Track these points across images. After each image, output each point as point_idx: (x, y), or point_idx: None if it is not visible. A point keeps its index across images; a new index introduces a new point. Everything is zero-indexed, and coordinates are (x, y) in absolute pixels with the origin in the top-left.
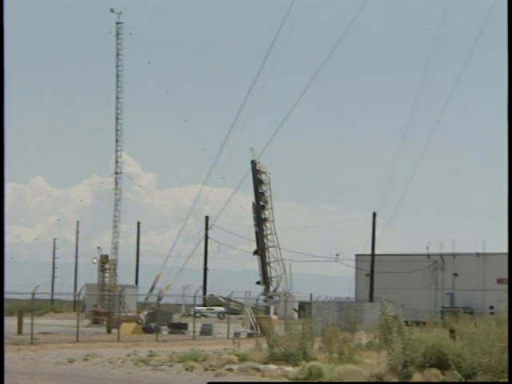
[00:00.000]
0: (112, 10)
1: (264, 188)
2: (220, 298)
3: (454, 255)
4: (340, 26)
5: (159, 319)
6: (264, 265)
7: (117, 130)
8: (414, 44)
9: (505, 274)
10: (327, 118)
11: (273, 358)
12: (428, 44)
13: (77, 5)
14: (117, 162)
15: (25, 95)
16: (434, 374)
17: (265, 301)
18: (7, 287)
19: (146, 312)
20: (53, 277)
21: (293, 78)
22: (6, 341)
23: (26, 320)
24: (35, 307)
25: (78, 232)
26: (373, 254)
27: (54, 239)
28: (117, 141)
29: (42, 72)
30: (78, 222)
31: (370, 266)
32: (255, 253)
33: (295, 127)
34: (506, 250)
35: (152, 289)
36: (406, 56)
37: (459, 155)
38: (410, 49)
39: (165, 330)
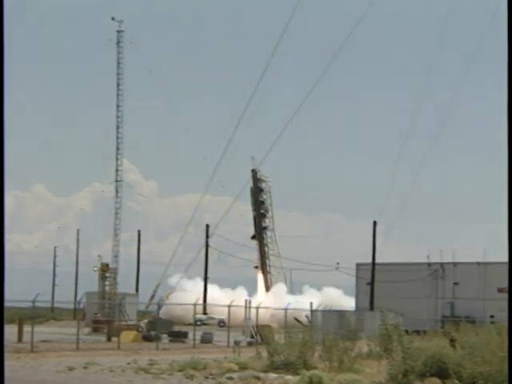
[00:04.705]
0: (113, 19)
1: (264, 196)
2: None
3: (454, 264)
4: (340, 36)
5: (159, 327)
6: (264, 272)
7: (117, 138)
8: (415, 50)
9: (505, 284)
10: (328, 126)
11: (273, 367)
12: (429, 50)
13: (77, 13)
14: (117, 170)
15: (25, 103)
16: (434, 383)
17: None
18: (7, 295)
19: (146, 320)
20: (53, 285)
21: (293, 87)
22: (6, 349)
23: (27, 328)
24: (35, 315)
25: (78, 240)
26: (373, 263)
27: (55, 247)
28: (117, 149)
29: (41, 79)
30: (78, 230)
31: (371, 275)
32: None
33: (295, 136)
34: (506, 259)
35: (152, 297)
36: (407, 64)
37: (460, 163)
38: (411, 55)
39: (165, 339)
